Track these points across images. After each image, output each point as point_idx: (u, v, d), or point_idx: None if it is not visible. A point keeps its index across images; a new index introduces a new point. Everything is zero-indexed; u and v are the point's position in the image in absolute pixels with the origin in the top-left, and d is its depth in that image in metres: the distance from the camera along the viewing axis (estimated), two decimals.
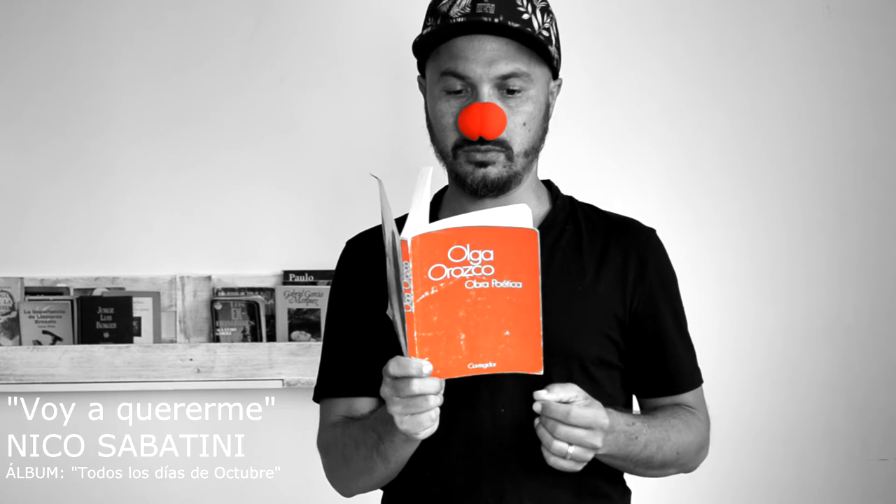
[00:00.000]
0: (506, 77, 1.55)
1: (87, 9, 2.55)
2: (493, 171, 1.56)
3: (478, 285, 1.32)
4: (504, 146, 1.55)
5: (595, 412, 1.43)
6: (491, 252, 1.31)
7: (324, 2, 2.56)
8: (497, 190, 1.57)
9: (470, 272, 1.31)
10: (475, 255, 1.31)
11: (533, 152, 1.60)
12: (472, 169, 1.56)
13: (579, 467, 1.45)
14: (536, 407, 1.43)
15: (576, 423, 1.42)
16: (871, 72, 2.55)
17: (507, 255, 1.32)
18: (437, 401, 1.38)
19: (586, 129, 2.54)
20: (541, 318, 1.36)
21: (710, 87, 2.55)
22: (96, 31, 2.55)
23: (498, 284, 1.32)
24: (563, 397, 1.43)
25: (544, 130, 1.62)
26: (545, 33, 1.57)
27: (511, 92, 1.56)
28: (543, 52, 1.57)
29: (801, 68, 2.55)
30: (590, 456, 1.45)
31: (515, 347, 1.36)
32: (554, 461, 1.44)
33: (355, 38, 2.55)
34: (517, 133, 1.56)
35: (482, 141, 1.54)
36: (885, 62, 2.55)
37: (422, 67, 1.65)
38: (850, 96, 2.55)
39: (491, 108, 1.53)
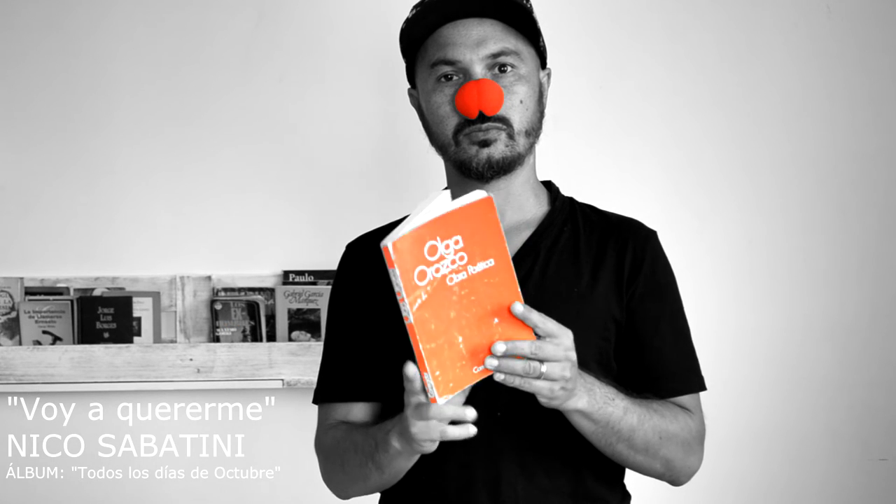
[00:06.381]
0: (496, 55, 1.56)
1: (86, 9, 2.55)
2: (497, 151, 1.55)
3: (457, 278, 1.31)
4: (505, 123, 1.55)
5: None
6: (459, 238, 1.31)
7: (323, 2, 2.56)
8: (502, 170, 1.56)
9: (448, 266, 1.31)
10: (447, 247, 1.30)
11: (533, 133, 1.60)
12: (475, 151, 1.55)
13: (558, 394, 1.37)
14: (492, 363, 1.34)
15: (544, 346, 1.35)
16: (871, 72, 2.55)
17: (473, 234, 1.32)
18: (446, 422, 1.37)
19: (586, 131, 2.54)
20: (519, 289, 1.35)
21: (710, 87, 2.55)
22: (96, 30, 2.56)
23: (473, 270, 1.32)
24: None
25: (541, 114, 1.62)
26: (527, 5, 1.58)
27: (503, 70, 1.56)
28: (528, 28, 1.57)
29: (801, 68, 2.55)
30: (569, 375, 1.36)
31: (507, 332, 1.36)
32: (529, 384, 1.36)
33: (355, 38, 2.55)
34: (516, 110, 1.56)
35: (482, 118, 1.54)
36: (885, 62, 2.55)
37: (411, 76, 1.65)
38: (850, 96, 2.55)
39: (486, 83, 1.53)
